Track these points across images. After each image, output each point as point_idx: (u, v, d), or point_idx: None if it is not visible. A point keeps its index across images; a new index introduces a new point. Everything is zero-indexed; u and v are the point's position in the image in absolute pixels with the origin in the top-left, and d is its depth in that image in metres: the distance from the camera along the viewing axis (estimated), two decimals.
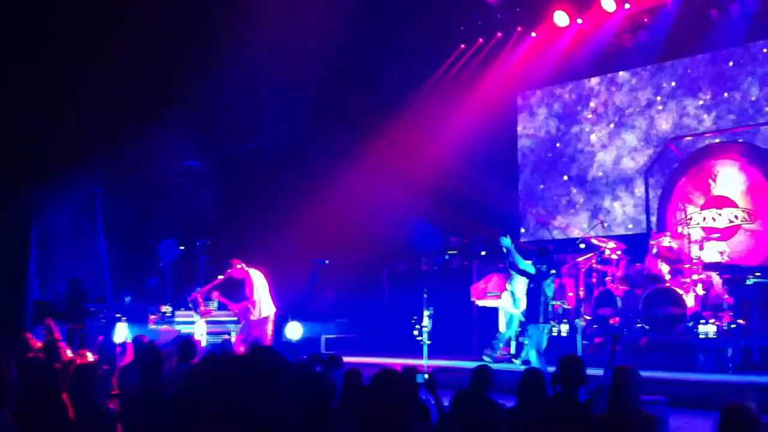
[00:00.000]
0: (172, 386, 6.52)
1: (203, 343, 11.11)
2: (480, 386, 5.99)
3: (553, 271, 9.68)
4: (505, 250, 9.83)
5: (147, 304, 13.56)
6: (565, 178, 15.46)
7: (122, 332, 11.16)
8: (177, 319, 12.23)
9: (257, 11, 13.47)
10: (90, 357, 7.86)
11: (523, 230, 15.88)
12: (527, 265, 9.63)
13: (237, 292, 11.83)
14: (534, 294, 9.58)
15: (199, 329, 11.64)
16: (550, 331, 10.26)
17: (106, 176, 16.35)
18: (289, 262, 14.64)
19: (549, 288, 9.67)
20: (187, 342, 7.04)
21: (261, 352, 4.35)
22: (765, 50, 13.14)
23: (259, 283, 11.68)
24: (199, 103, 14.51)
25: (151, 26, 13.15)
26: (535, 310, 9.55)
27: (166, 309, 12.43)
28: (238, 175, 16.86)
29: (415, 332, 11.42)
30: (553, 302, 10.80)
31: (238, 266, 11.68)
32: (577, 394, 5.59)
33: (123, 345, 8.26)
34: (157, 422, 5.63)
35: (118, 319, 12.24)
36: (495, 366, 9.40)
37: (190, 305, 11.95)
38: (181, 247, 14.90)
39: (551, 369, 9.07)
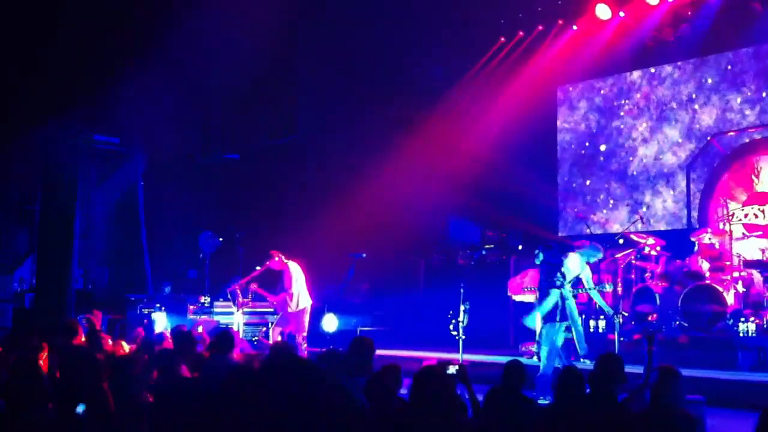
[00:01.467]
0: (210, 377, 6.61)
1: (241, 335, 11.23)
2: (512, 382, 5.99)
3: (560, 278, 9.70)
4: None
5: (186, 295, 13.74)
6: (605, 172, 15.32)
7: (161, 322, 11.32)
8: (215, 310, 12.35)
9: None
10: (126, 347, 7.99)
11: (561, 225, 15.78)
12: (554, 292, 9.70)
13: (275, 283, 11.92)
14: (549, 294, 9.63)
15: (237, 320, 11.76)
16: (568, 329, 10.32)
17: (147, 168, 16.58)
18: (326, 255, 14.74)
19: (566, 291, 9.71)
20: (224, 333, 7.11)
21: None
22: None
23: (297, 275, 11.73)
24: (237, 96, 14.64)
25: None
26: (552, 311, 9.58)
27: (205, 300, 12.58)
28: (277, 167, 16.97)
29: (451, 327, 11.41)
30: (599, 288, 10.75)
31: (277, 258, 11.75)
32: (616, 393, 5.56)
33: (161, 335, 8.37)
34: (187, 411, 5.71)
35: (158, 309, 12.41)
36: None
37: (229, 296, 12.08)
38: (220, 239, 15.06)
39: (557, 365, 9.10)
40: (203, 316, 12.10)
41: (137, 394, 6.02)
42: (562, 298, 9.62)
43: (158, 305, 12.68)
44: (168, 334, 8.28)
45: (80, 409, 5.73)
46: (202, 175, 16.99)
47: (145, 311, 12.81)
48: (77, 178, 14.71)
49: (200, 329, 9.92)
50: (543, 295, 9.81)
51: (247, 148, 17.14)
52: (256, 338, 11.92)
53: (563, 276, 9.77)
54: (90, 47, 13.25)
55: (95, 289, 16.73)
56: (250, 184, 16.77)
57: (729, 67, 13.84)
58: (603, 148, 15.43)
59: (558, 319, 9.52)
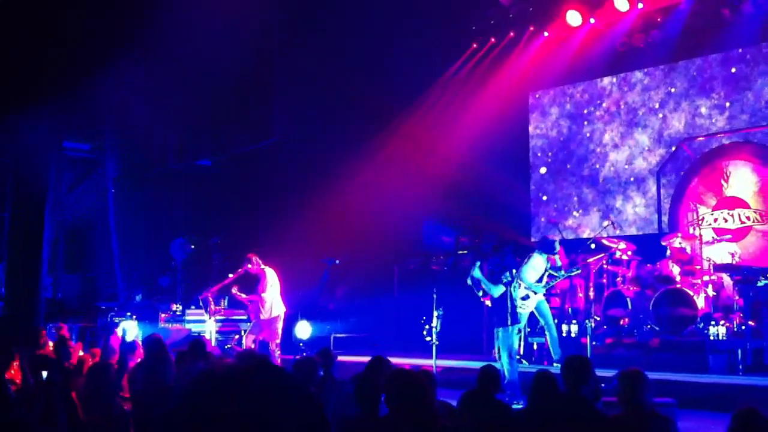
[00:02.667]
0: (183, 385, 6.56)
1: (213, 342, 11.15)
2: (486, 387, 5.99)
3: (508, 277, 9.79)
4: (470, 282, 10.11)
5: (158, 302, 13.63)
6: (577, 177, 15.42)
7: (131, 331, 11.20)
8: (187, 318, 12.26)
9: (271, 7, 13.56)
10: (96, 356, 7.89)
11: (534, 230, 15.85)
12: (497, 289, 9.78)
13: (248, 290, 11.84)
14: (500, 298, 9.74)
15: (209, 328, 11.67)
16: (521, 331, 10.48)
17: (118, 174, 16.43)
18: (300, 260, 14.68)
19: (515, 290, 9.80)
20: (197, 341, 7.06)
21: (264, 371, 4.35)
22: (766, 57, 13.07)
23: (273, 281, 11.65)
24: (210, 100, 14.56)
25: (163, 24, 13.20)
26: (503, 314, 9.67)
27: (177, 308, 12.48)
28: (251, 173, 16.90)
29: (424, 332, 11.42)
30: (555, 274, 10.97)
31: (254, 261, 11.66)
32: (586, 395, 5.57)
33: (133, 344, 8.28)
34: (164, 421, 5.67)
35: (129, 318, 12.29)
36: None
37: (201, 304, 11.99)
38: (192, 246, 14.97)
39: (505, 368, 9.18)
40: (175, 325, 12.00)
41: (110, 403, 5.95)
42: (512, 300, 9.74)
43: (129, 313, 12.56)
44: (139, 343, 8.19)
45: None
46: (174, 182, 16.87)
47: (116, 320, 12.68)
48: (48, 185, 14.55)
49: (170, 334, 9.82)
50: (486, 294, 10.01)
51: (221, 154, 17.05)
52: (229, 346, 11.84)
53: (512, 275, 9.89)
54: (61, 52, 13.12)
55: (65, 297, 16.54)
56: (223, 190, 16.67)
57: (698, 73, 14.00)
58: (574, 153, 15.53)
59: (509, 322, 9.61)
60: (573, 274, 11.50)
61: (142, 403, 6.37)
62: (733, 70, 13.53)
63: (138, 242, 16.50)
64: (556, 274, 11.14)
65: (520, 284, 11.43)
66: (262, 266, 11.68)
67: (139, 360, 7.04)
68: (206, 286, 12.40)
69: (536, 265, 11.24)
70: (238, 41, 14.27)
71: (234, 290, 11.64)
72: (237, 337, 12.01)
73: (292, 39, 14.97)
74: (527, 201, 16.06)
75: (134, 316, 12.25)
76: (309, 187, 15.85)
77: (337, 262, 14.63)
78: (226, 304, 12.06)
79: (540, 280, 11.33)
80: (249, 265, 11.59)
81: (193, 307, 12.51)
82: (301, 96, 15.06)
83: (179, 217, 16.48)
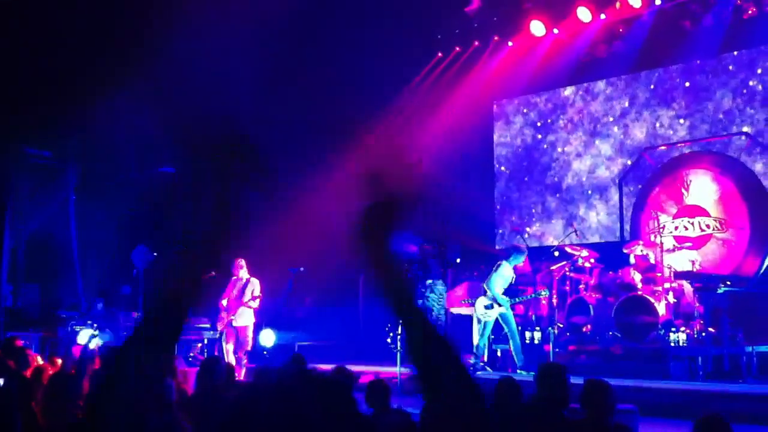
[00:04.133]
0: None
1: (175, 351, 11.01)
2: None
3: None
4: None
5: (119, 311, 13.45)
6: (540, 186, 15.54)
7: (91, 339, 11.06)
8: None
9: (231, 12, 13.48)
10: (58, 365, 7.79)
11: (498, 238, 15.94)
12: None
13: (213, 297, 11.70)
14: None
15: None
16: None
17: (79, 182, 16.22)
18: (265, 269, 14.58)
19: (431, 297, 9.91)
20: None
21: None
22: (732, 68, 13.29)
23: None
24: (172, 107, 14.43)
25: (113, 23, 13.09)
26: None
27: (138, 316, 12.32)
28: (215, 180, 16.75)
29: (389, 340, 11.41)
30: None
31: (243, 266, 11.57)
32: (558, 403, 5.58)
33: (93, 352, 8.18)
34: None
35: (90, 326, 12.12)
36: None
37: None
38: (155, 254, 14.79)
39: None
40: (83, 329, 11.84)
41: (70, 412, 5.86)
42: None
43: (90, 322, 12.38)
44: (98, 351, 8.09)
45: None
46: (137, 189, 16.67)
47: (77, 328, 12.49)
48: (8, 191, 14.31)
49: None
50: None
51: (184, 161, 16.89)
52: (192, 355, 11.72)
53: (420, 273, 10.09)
54: (23, 60, 12.96)
55: (25, 306, 16.24)
56: (187, 197, 16.51)
57: (659, 83, 14.20)
58: (538, 162, 15.65)
59: None
60: (541, 296, 11.62)
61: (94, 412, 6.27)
62: (692, 81, 13.74)
63: (100, 250, 16.27)
64: (523, 298, 11.39)
65: (486, 292, 11.53)
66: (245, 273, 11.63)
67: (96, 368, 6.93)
68: None
69: (505, 273, 11.34)
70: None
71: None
72: (200, 345, 11.89)
73: (258, 48, 14.91)
74: (491, 209, 16.15)
75: (95, 325, 12.08)
76: (274, 195, 15.78)
77: (302, 270, 14.56)
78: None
79: (508, 289, 11.44)
80: (237, 270, 11.49)
81: None
82: (263, 103, 14.98)
83: (142, 224, 16.29)
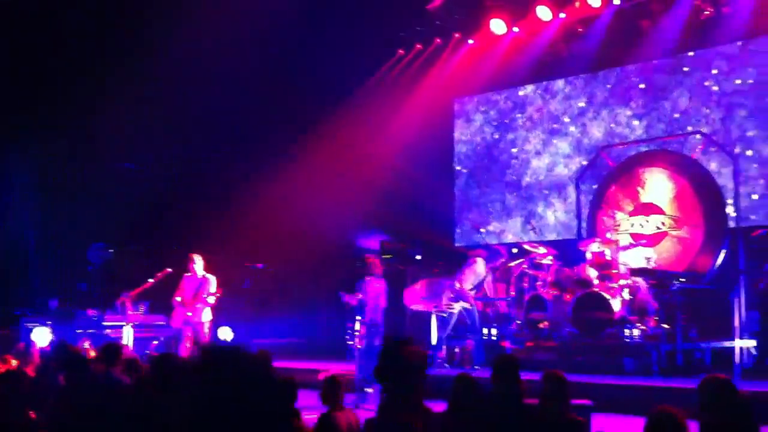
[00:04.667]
0: (96, 389, 6.41)
1: (131, 348, 10.89)
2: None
3: None
4: None
5: (75, 308, 13.25)
6: (500, 184, 15.63)
7: (43, 337, 10.89)
8: (105, 324, 11.96)
9: (194, 7, 13.36)
10: (14, 363, 7.67)
11: (458, 235, 16.01)
12: None
13: (166, 295, 11.57)
14: None
15: (127, 334, 11.40)
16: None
17: (34, 177, 15.94)
18: (223, 265, 14.47)
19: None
20: (110, 345, 6.89)
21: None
22: (688, 68, 13.48)
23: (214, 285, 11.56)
24: (131, 102, 14.26)
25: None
26: None
27: (94, 313, 12.16)
28: (176, 176, 16.59)
29: (348, 337, 11.41)
30: None
31: (199, 263, 11.45)
32: (513, 393, 5.60)
33: (43, 350, 8.05)
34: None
35: (45, 324, 11.93)
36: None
37: (118, 309, 11.72)
38: (111, 251, 14.61)
39: None
40: (91, 330, 11.69)
41: (21, 411, 5.77)
42: None
43: (44, 319, 12.18)
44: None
45: None
46: (95, 185, 16.43)
47: (31, 326, 12.28)
48: None
49: (86, 344, 9.58)
50: None
51: (143, 156, 16.69)
52: (148, 352, 11.58)
53: None
54: None
55: None
56: (147, 193, 16.30)
57: (617, 82, 14.34)
58: (498, 159, 15.74)
59: None
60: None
61: (53, 409, 6.18)
62: (649, 81, 13.91)
63: (56, 247, 16.01)
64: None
65: (457, 285, 11.61)
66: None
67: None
68: (124, 290, 12.11)
69: (478, 270, 11.53)
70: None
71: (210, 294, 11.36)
72: (156, 343, 11.77)
73: (221, 42, 14.78)
74: (452, 206, 16.21)
75: (49, 322, 11.90)
76: (234, 192, 15.67)
77: (261, 267, 14.49)
78: (143, 309, 11.80)
79: (477, 286, 11.54)
80: (193, 266, 11.36)
81: (110, 312, 12.20)
82: (224, 98, 14.87)
83: (99, 221, 16.07)
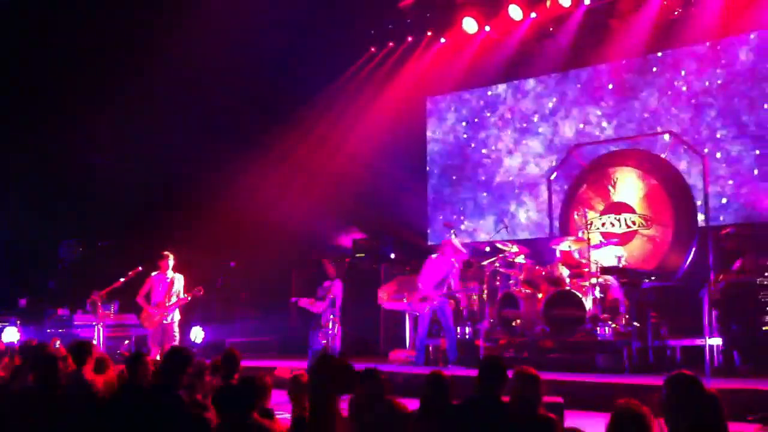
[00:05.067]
0: (66, 389, 6.34)
1: (102, 348, 10.79)
2: (373, 389, 5.99)
3: None
4: None
5: (44, 306, 13.10)
6: (472, 182, 15.68)
7: (12, 336, 10.75)
8: (75, 323, 11.83)
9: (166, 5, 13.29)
10: None
11: (431, 233, 16.04)
12: None
13: (135, 294, 11.46)
14: None
15: (98, 333, 11.29)
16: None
17: (4, 173, 15.74)
18: (195, 263, 14.38)
19: None
20: (79, 344, 6.81)
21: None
22: (657, 68, 13.62)
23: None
24: (102, 99, 14.13)
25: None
26: None
27: (64, 312, 12.02)
28: (145, 173, 16.44)
29: (320, 335, 11.40)
30: None
31: (172, 261, 11.36)
32: (498, 394, 5.61)
33: (12, 348, 7.95)
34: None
35: (13, 323, 11.78)
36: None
37: (89, 308, 11.59)
38: (81, 249, 14.46)
39: None
40: (61, 329, 11.56)
41: None
42: None
43: (13, 318, 12.03)
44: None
45: None
46: (64, 181, 16.24)
47: None
48: None
49: (57, 343, 9.45)
50: None
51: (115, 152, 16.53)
52: (119, 352, 11.48)
53: None
54: None
55: None
56: (117, 190, 16.13)
57: (588, 82, 14.45)
58: (470, 158, 15.79)
59: None
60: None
61: (21, 408, 6.11)
62: (619, 81, 14.03)
63: (26, 244, 15.81)
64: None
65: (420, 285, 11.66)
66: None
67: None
68: (95, 289, 11.98)
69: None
70: None
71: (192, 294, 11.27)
72: (127, 342, 11.66)
73: (184, 38, 14.67)
74: (425, 204, 16.23)
75: (18, 321, 11.74)
76: (205, 190, 15.56)
77: (233, 265, 14.41)
78: (113, 309, 11.68)
79: (440, 282, 11.60)
80: (165, 263, 11.27)
81: (81, 311, 12.07)
82: (192, 96, 14.77)
83: (70, 217, 15.89)
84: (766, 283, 10.69)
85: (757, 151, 12.49)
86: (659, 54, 13.65)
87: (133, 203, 15.57)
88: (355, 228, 16.00)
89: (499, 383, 5.46)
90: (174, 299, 11.20)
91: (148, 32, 13.47)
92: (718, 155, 12.81)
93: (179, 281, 11.33)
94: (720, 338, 10.31)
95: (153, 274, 11.31)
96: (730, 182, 12.67)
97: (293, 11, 14.49)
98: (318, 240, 16.21)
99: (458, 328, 12.09)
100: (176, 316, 11.34)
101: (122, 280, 11.44)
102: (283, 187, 15.39)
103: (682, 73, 13.36)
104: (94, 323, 11.49)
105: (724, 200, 12.69)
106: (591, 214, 13.09)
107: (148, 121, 15.19)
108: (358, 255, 15.40)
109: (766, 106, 12.46)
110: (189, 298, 11.26)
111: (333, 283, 11.58)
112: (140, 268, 11.46)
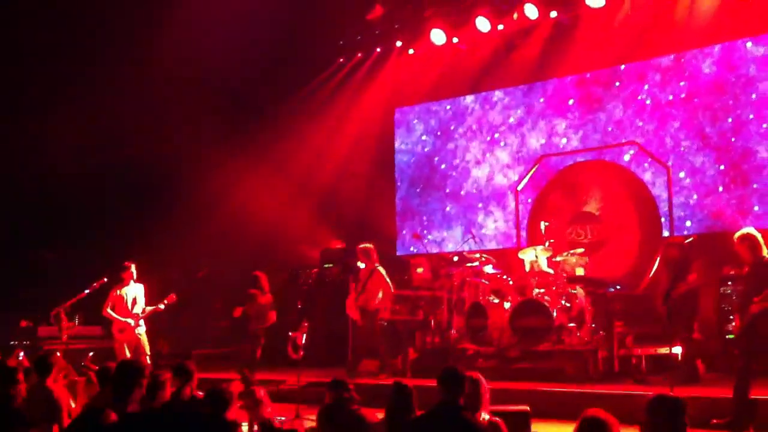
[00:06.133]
0: (28, 402, 6.27)
1: (66, 360, 10.63)
2: (341, 399, 6.02)
3: None
4: None
5: (7, 318, 12.90)
6: (441, 193, 15.74)
7: None
8: (39, 336, 11.67)
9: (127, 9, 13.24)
10: None
11: (399, 244, 16.06)
12: None
13: (99, 306, 11.32)
14: None
15: (62, 345, 11.14)
16: None
17: None
18: (162, 274, 14.26)
19: None
20: (43, 356, 6.74)
21: None
22: (620, 82, 13.80)
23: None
24: (65, 103, 14.00)
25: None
26: None
27: (27, 324, 11.86)
28: (110, 183, 16.28)
29: (290, 346, 11.33)
30: None
31: (134, 271, 11.26)
32: (459, 403, 5.65)
33: None
34: None
35: None
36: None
37: (53, 320, 11.43)
38: (49, 257, 14.28)
39: None
40: (25, 341, 11.39)
41: None
42: None
43: None
44: None
45: None
46: (32, 189, 16.02)
47: None
48: None
49: (21, 355, 9.33)
50: None
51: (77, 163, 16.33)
52: (83, 364, 11.32)
53: None
54: None
55: None
56: (83, 198, 15.94)
57: (555, 93, 14.59)
58: (438, 169, 15.85)
59: None
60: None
61: None
62: (585, 92, 14.19)
63: None
64: None
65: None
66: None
67: None
68: (59, 300, 11.81)
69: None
70: None
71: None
72: (91, 354, 11.51)
73: (157, 46, 14.59)
74: (393, 214, 16.26)
75: None
76: (172, 199, 15.45)
77: (201, 275, 14.31)
78: (77, 321, 11.54)
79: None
80: (129, 276, 11.17)
81: (45, 323, 11.90)
82: (161, 106, 14.68)
83: (36, 225, 15.68)
84: (728, 291, 10.87)
85: (722, 167, 12.66)
86: (623, 67, 13.82)
87: (97, 211, 15.40)
88: (324, 238, 15.96)
89: (459, 392, 5.51)
90: (139, 309, 11.10)
91: (122, 29, 13.39)
92: (682, 167, 12.98)
93: (142, 291, 11.25)
94: (683, 347, 10.42)
95: (117, 287, 11.21)
96: (694, 195, 12.85)
97: (260, 21, 14.46)
98: (287, 250, 16.14)
99: (427, 338, 12.11)
100: (143, 326, 11.27)
101: (87, 291, 11.30)
102: (251, 198, 15.32)
103: (646, 87, 13.54)
104: (57, 335, 11.33)
105: (687, 211, 12.85)
106: (558, 224, 13.18)
107: (112, 129, 15.05)
108: (326, 265, 15.36)
109: (729, 120, 12.65)
110: (163, 307, 11.18)
111: (265, 297, 11.55)
112: (105, 279, 11.33)
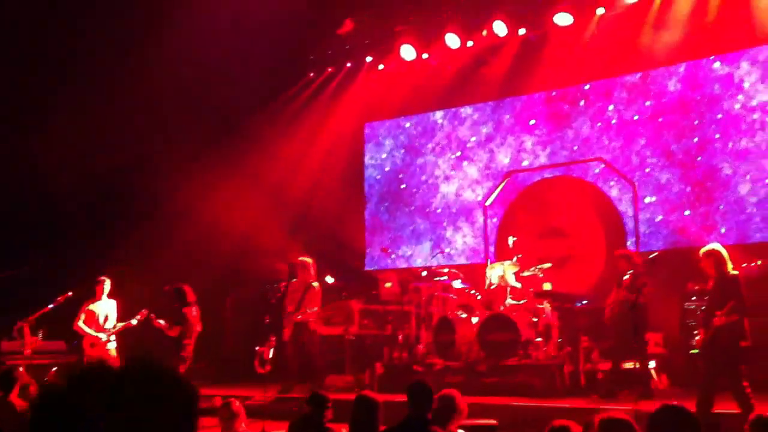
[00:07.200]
0: None
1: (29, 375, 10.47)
2: (316, 412, 6.02)
3: None
4: None
5: None
6: (410, 208, 15.78)
7: None
8: (1, 351, 11.48)
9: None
10: None
11: (368, 259, 16.06)
12: None
13: (67, 319, 11.21)
14: None
15: (25, 360, 10.98)
16: None
17: None
18: (128, 288, 14.12)
19: None
20: (4, 372, 6.64)
21: None
22: (587, 99, 13.96)
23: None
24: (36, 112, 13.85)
25: None
26: None
27: None
28: (74, 197, 16.08)
29: (257, 361, 11.28)
30: None
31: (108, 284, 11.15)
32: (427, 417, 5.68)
33: None
34: None
35: None
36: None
37: (16, 335, 11.27)
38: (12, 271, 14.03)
39: None
40: None
41: None
42: None
43: None
44: None
45: None
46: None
47: None
48: None
49: None
50: None
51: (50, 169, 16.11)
52: (47, 379, 11.16)
53: None
54: None
55: None
56: (47, 212, 15.73)
57: (523, 109, 14.73)
58: (407, 184, 15.90)
59: None
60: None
61: None
62: (553, 109, 14.34)
63: None
64: None
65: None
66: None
67: None
68: (23, 314, 11.65)
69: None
70: None
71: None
72: (55, 369, 11.35)
73: (130, 55, 14.49)
74: (362, 229, 16.27)
75: None
76: (139, 210, 15.30)
77: (167, 288, 14.14)
78: (41, 336, 11.38)
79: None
80: (102, 291, 11.07)
81: (6, 338, 11.71)
82: (127, 115, 14.57)
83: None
84: (692, 307, 11.00)
85: (688, 188, 12.83)
86: (587, 86, 13.99)
87: (64, 223, 15.21)
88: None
89: (427, 406, 5.54)
90: (111, 325, 11.01)
91: (95, 43, 13.29)
92: (648, 184, 13.15)
93: (114, 307, 11.17)
94: (650, 361, 10.54)
95: (89, 301, 11.11)
96: (660, 211, 13.01)
97: (230, 35, 14.43)
98: (253, 264, 16.05)
99: (395, 353, 12.11)
100: (113, 342, 11.19)
101: (51, 306, 11.16)
102: (220, 211, 15.23)
103: (611, 107, 13.71)
104: (21, 351, 11.17)
105: (652, 227, 13.01)
106: (526, 239, 13.27)
107: (85, 138, 14.90)
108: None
109: (695, 139, 12.82)
110: (135, 323, 11.07)
111: (190, 309, 11.29)
112: (70, 293, 11.20)
